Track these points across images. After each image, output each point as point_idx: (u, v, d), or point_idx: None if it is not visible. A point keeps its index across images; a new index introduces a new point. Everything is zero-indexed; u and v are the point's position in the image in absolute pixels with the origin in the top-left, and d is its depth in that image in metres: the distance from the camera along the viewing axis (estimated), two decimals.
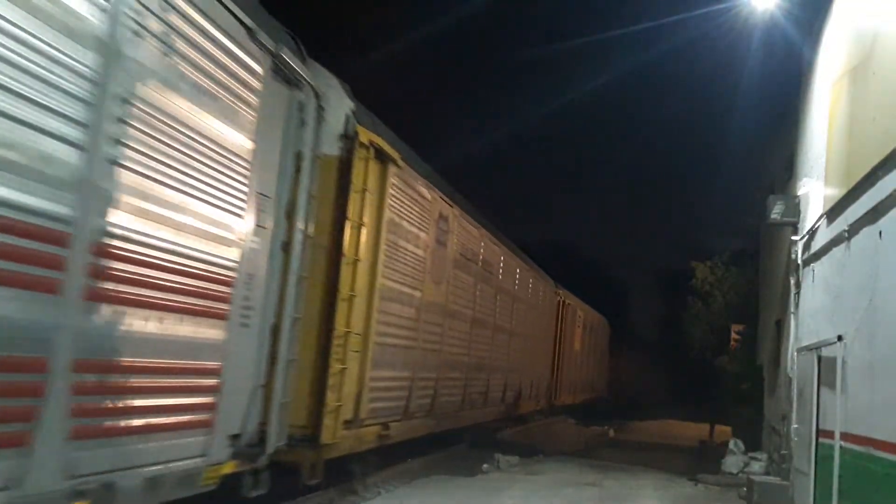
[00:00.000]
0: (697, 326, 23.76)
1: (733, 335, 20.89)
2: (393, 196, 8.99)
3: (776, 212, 10.94)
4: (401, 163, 9.10)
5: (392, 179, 8.86)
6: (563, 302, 22.88)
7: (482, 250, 13.54)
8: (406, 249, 9.63)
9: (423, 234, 10.25)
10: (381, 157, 8.55)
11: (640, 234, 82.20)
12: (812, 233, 9.52)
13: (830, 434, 7.21)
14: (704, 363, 23.37)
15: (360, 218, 8.04)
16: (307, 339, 7.10)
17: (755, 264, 18.98)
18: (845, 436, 6.71)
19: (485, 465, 12.17)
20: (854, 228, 7.05)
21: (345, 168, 7.78)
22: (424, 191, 10.32)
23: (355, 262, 7.95)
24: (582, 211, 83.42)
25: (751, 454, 12.78)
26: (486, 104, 70.68)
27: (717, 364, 20.97)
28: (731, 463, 12.66)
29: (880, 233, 6.23)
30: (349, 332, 7.84)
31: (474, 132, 64.70)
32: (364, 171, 8.05)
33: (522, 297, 17.37)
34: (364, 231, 8.14)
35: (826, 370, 7.77)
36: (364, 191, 8.05)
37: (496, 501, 9.25)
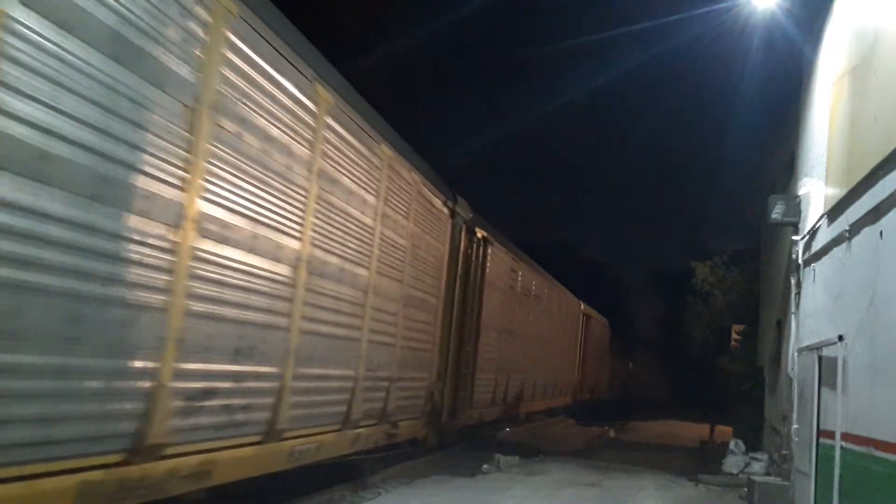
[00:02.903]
0: (698, 326, 23.76)
1: (734, 335, 20.88)
2: None
3: (777, 212, 10.93)
4: None
5: None
6: (472, 232, 12.65)
7: None
8: None
9: None
10: None
11: (640, 234, 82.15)
12: (813, 233, 9.51)
13: (831, 434, 7.20)
14: (705, 363, 23.37)
15: None
16: None
17: (756, 264, 18.98)
18: (846, 436, 6.70)
19: (485, 466, 12.15)
20: (855, 228, 7.04)
21: None
22: None
23: None
24: (582, 211, 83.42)
25: (751, 455, 12.77)
26: (486, 103, 70.69)
27: (717, 364, 20.97)
28: (732, 463, 12.64)
29: (881, 233, 6.22)
30: None
31: (473, 131, 64.75)
32: None
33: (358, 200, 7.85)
34: None
35: (827, 370, 7.76)
36: None
37: (496, 501, 9.23)
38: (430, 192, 10.52)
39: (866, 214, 6.64)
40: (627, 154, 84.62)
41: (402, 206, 9.26)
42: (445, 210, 11.36)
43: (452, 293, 11.82)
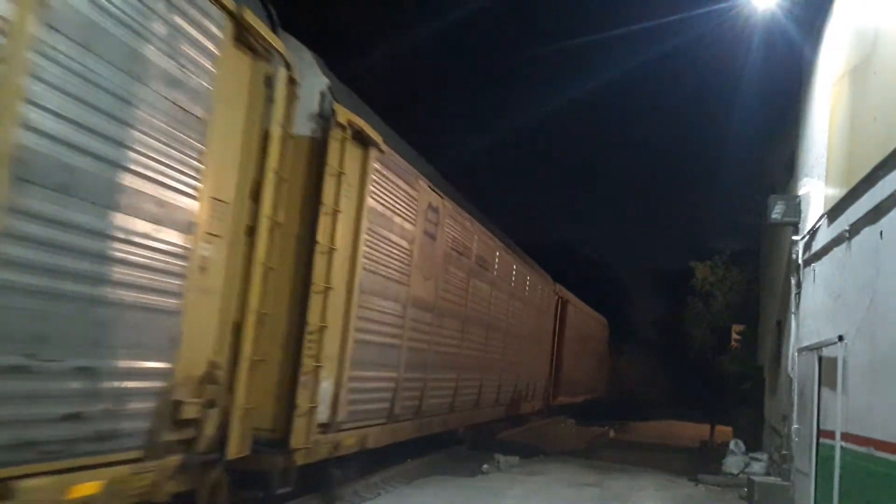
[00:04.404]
0: (698, 326, 23.76)
1: (734, 335, 20.88)
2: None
3: (777, 212, 10.93)
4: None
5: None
6: (328, 115, 7.23)
7: None
8: None
9: None
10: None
11: (640, 234, 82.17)
12: (813, 233, 9.51)
13: (831, 434, 7.20)
14: (705, 363, 23.36)
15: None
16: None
17: (756, 264, 18.98)
18: (846, 436, 6.70)
19: (485, 466, 12.16)
20: (855, 228, 7.04)
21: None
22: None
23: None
24: (582, 210, 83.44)
25: (751, 454, 12.77)
26: (486, 103, 70.68)
27: (717, 364, 20.98)
28: (732, 463, 12.65)
29: (881, 233, 6.22)
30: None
31: (473, 131, 64.76)
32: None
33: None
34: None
35: (827, 370, 7.76)
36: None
37: (496, 502, 9.23)
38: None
39: (866, 214, 6.63)
40: (627, 154, 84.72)
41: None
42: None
43: (257, 202, 5.99)
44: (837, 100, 8.47)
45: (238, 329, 5.82)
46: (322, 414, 7.30)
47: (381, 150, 8.37)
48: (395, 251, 9.20)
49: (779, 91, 13.92)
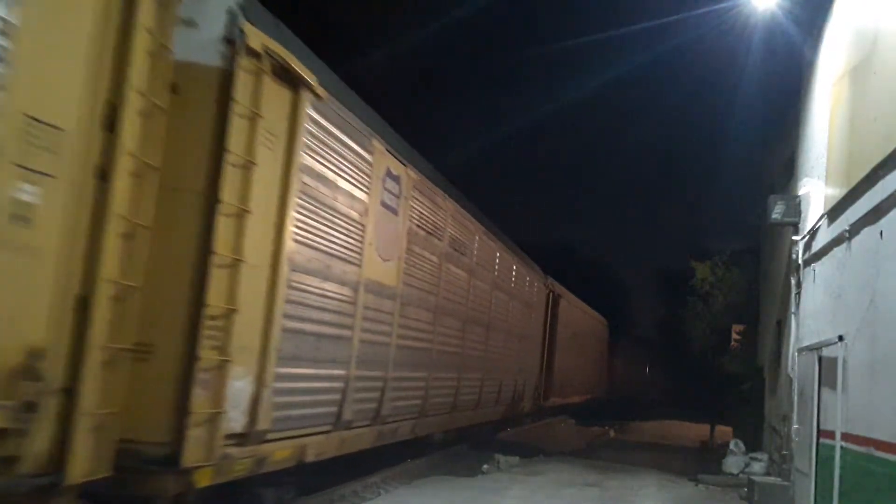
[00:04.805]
0: (698, 326, 23.74)
1: (734, 335, 20.87)
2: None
3: (777, 212, 10.94)
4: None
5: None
6: (235, 44, 5.71)
7: None
8: None
9: None
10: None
11: (641, 234, 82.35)
12: (813, 233, 9.51)
13: (831, 434, 7.20)
14: (705, 363, 23.35)
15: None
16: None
17: (756, 264, 18.98)
18: (846, 436, 6.70)
19: (485, 466, 12.16)
20: (855, 228, 7.04)
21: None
22: None
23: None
24: (582, 210, 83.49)
25: (751, 455, 12.78)
26: (486, 103, 70.72)
27: (717, 364, 20.97)
28: (732, 463, 12.66)
29: (881, 233, 6.22)
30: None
31: (473, 131, 64.76)
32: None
33: None
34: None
35: (827, 370, 7.76)
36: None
37: (496, 502, 9.23)
38: None
39: (866, 214, 6.64)
40: (628, 154, 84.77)
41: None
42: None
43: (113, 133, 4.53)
44: (837, 100, 8.47)
45: (84, 305, 4.24)
46: (235, 421, 5.78)
47: (316, 95, 6.66)
48: (340, 223, 7.51)
49: (779, 91, 13.93)
